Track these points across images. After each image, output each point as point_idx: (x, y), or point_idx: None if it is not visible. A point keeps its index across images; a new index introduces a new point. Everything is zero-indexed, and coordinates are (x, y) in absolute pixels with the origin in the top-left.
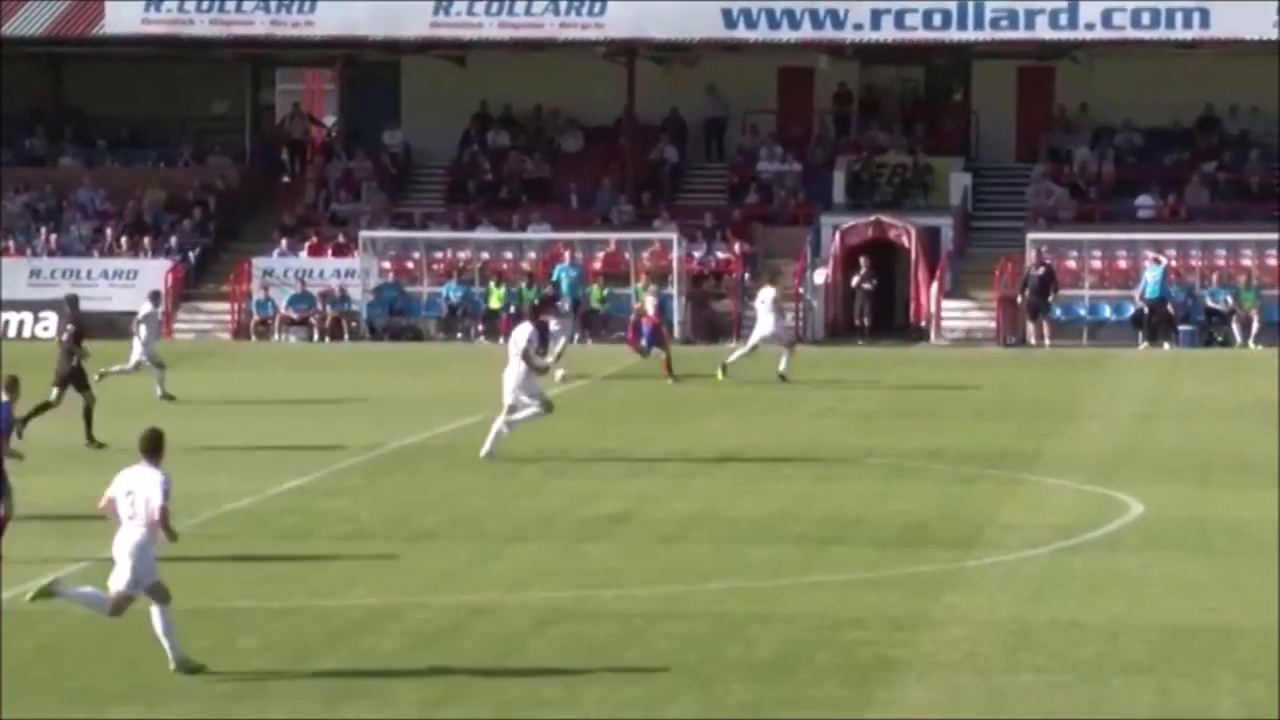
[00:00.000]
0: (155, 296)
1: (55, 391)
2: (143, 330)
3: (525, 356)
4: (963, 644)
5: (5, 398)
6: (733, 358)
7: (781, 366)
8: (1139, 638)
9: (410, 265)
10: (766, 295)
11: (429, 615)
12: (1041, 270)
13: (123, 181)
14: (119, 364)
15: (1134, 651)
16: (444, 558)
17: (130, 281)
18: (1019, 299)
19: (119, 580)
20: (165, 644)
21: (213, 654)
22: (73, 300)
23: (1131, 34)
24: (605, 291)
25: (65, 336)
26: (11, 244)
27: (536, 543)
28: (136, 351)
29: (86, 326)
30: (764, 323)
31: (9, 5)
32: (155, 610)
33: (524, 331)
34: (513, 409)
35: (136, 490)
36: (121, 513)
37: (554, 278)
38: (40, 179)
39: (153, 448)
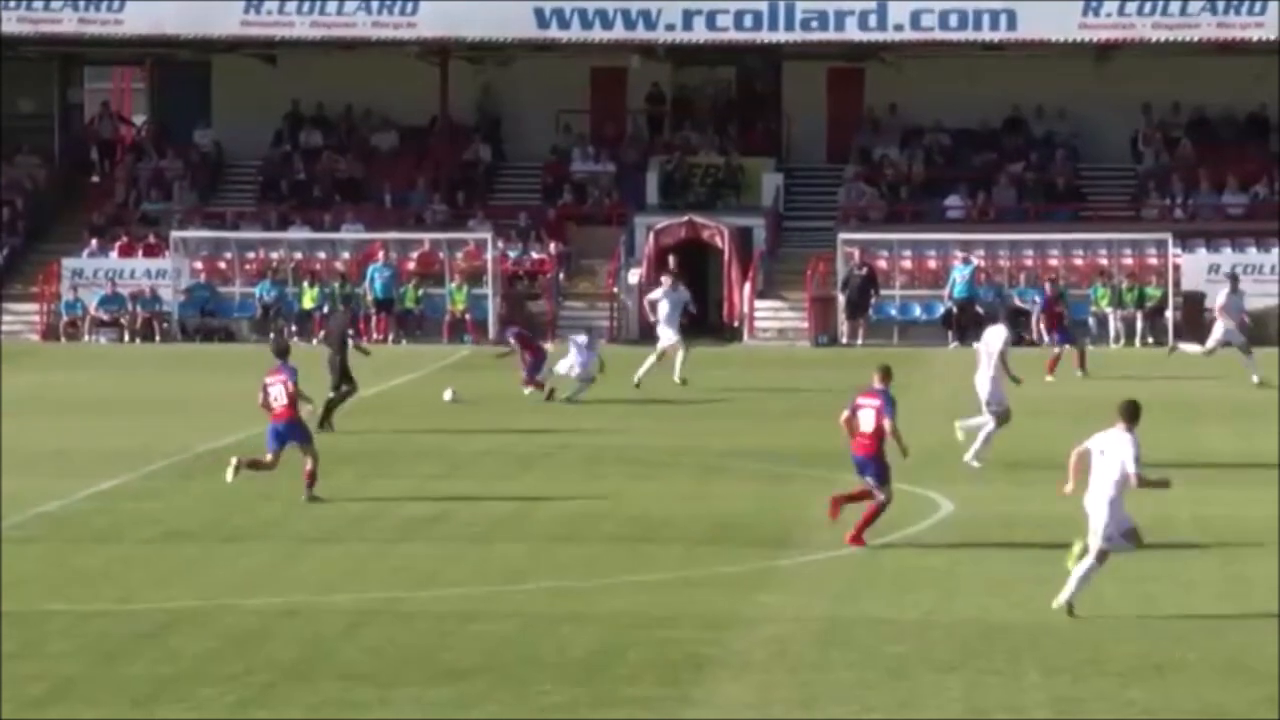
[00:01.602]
0: None
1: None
2: None
3: (1003, 358)
4: (775, 642)
5: None
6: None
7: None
8: (948, 634)
9: (222, 265)
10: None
11: (239, 617)
12: (864, 270)
13: None
14: None
15: (944, 648)
16: (255, 559)
17: None
18: (839, 298)
19: None
20: None
21: (21, 658)
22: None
23: (939, 35)
24: (420, 292)
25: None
26: None
27: (349, 544)
28: None
29: None
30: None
31: None
32: None
33: (999, 334)
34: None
35: None
36: None
37: (368, 278)
38: None
39: None
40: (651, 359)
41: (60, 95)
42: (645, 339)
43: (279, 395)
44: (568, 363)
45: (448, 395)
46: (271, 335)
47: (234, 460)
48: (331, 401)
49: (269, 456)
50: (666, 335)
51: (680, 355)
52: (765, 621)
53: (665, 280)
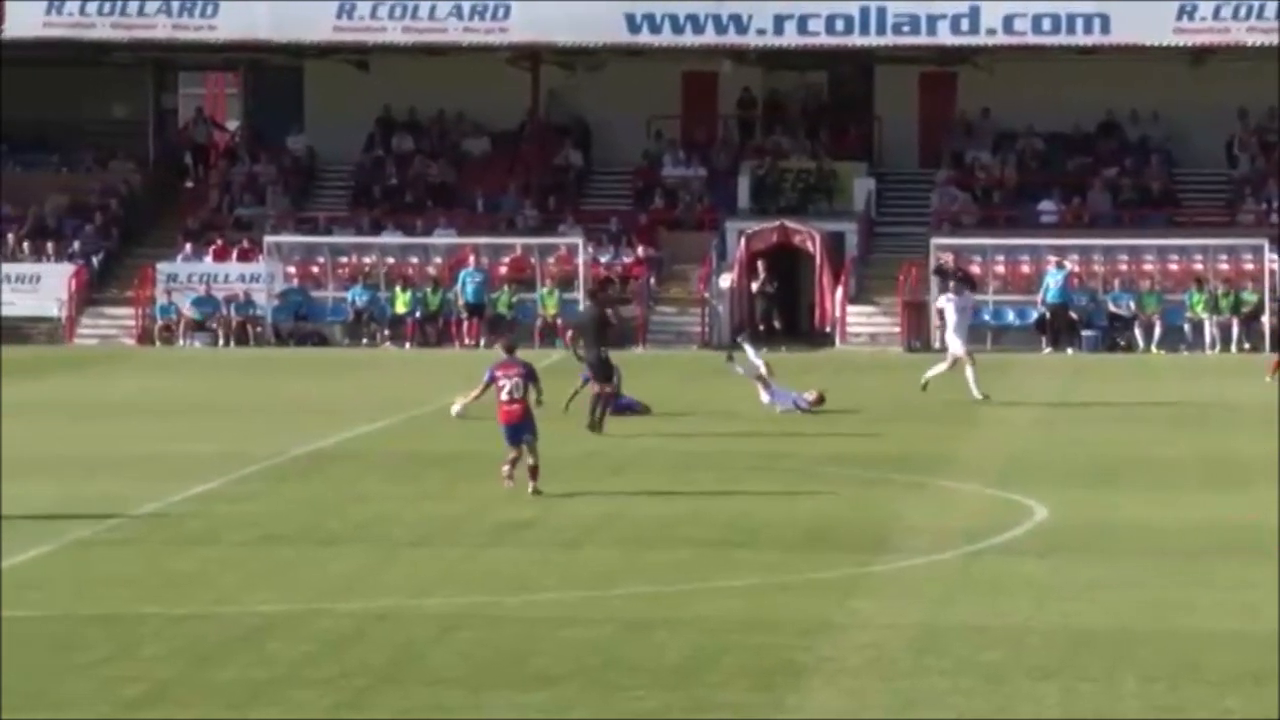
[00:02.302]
0: None
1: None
2: None
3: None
4: (868, 648)
5: None
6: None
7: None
8: (1044, 640)
9: (315, 270)
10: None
11: (333, 621)
12: (958, 275)
13: (25, 186)
14: None
15: (1039, 655)
16: (348, 563)
17: (33, 287)
18: (931, 303)
19: None
20: None
21: (116, 660)
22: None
23: (1032, 39)
24: (513, 298)
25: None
26: None
27: (440, 548)
28: None
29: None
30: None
31: None
32: None
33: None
34: None
35: None
36: None
37: (459, 282)
38: None
39: None
40: (942, 366)
41: (154, 101)
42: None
43: (514, 390)
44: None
45: (455, 409)
46: (501, 334)
47: (506, 470)
48: (597, 398)
49: (511, 453)
50: (955, 344)
51: (970, 370)
52: (858, 627)
53: (951, 286)
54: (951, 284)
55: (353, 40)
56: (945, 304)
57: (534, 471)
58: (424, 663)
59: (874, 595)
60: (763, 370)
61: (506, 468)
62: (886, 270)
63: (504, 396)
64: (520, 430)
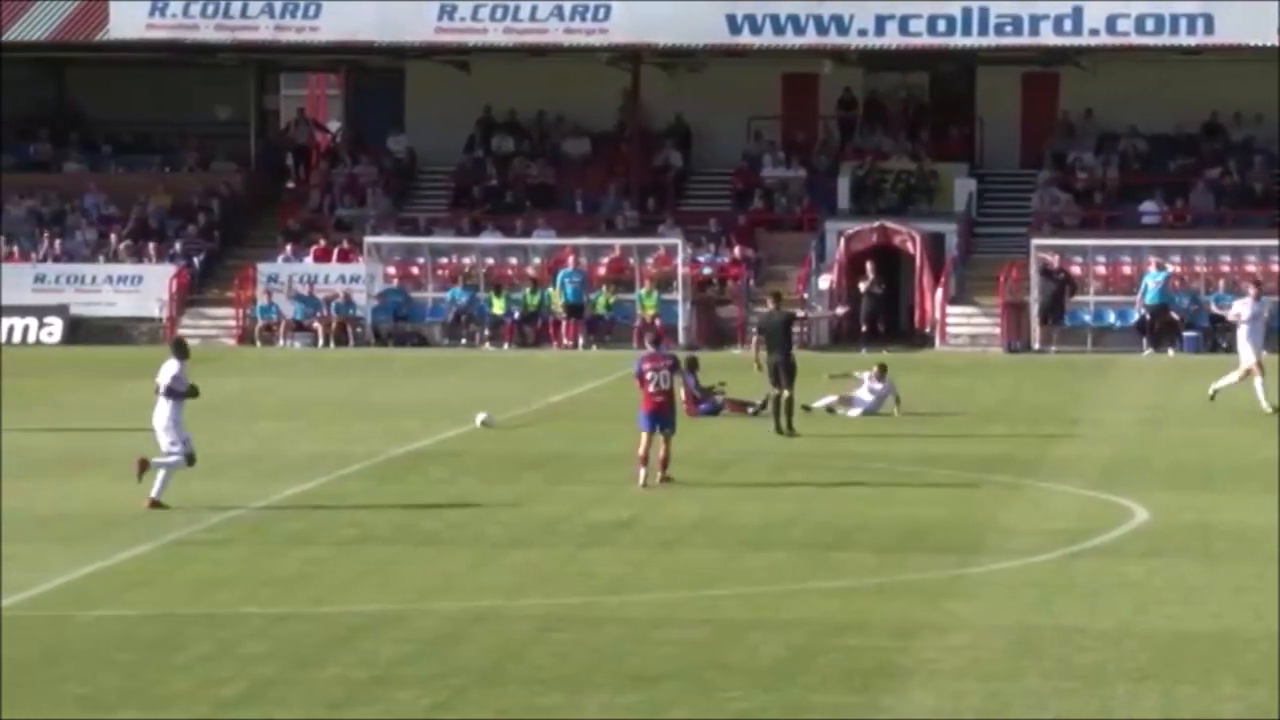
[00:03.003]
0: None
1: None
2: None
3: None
4: (965, 650)
5: None
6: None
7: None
8: (1143, 644)
9: (415, 270)
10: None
11: (431, 621)
12: (1061, 276)
13: (127, 187)
14: None
15: (1138, 657)
16: (447, 563)
17: (135, 287)
18: (1034, 303)
19: None
20: None
21: (216, 659)
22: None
23: (1135, 40)
24: (612, 298)
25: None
26: (15, 250)
27: (538, 549)
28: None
29: (89, 332)
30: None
31: (11, 9)
32: None
33: None
34: None
35: None
36: None
37: (558, 283)
38: (44, 184)
39: None
40: (1233, 375)
41: (256, 102)
42: (836, 344)
43: (661, 382)
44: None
45: (480, 419)
46: (648, 333)
47: (641, 455)
48: (779, 401)
49: (645, 442)
50: (1246, 353)
51: (1259, 381)
52: (955, 629)
53: (1250, 290)
54: (1251, 289)
55: (454, 41)
56: (1242, 308)
57: (665, 462)
58: (522, 663)
59: (971, 597)
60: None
61: (641, 452)
62: (987, 271)
63: (651, 388)
64: (663, 421)
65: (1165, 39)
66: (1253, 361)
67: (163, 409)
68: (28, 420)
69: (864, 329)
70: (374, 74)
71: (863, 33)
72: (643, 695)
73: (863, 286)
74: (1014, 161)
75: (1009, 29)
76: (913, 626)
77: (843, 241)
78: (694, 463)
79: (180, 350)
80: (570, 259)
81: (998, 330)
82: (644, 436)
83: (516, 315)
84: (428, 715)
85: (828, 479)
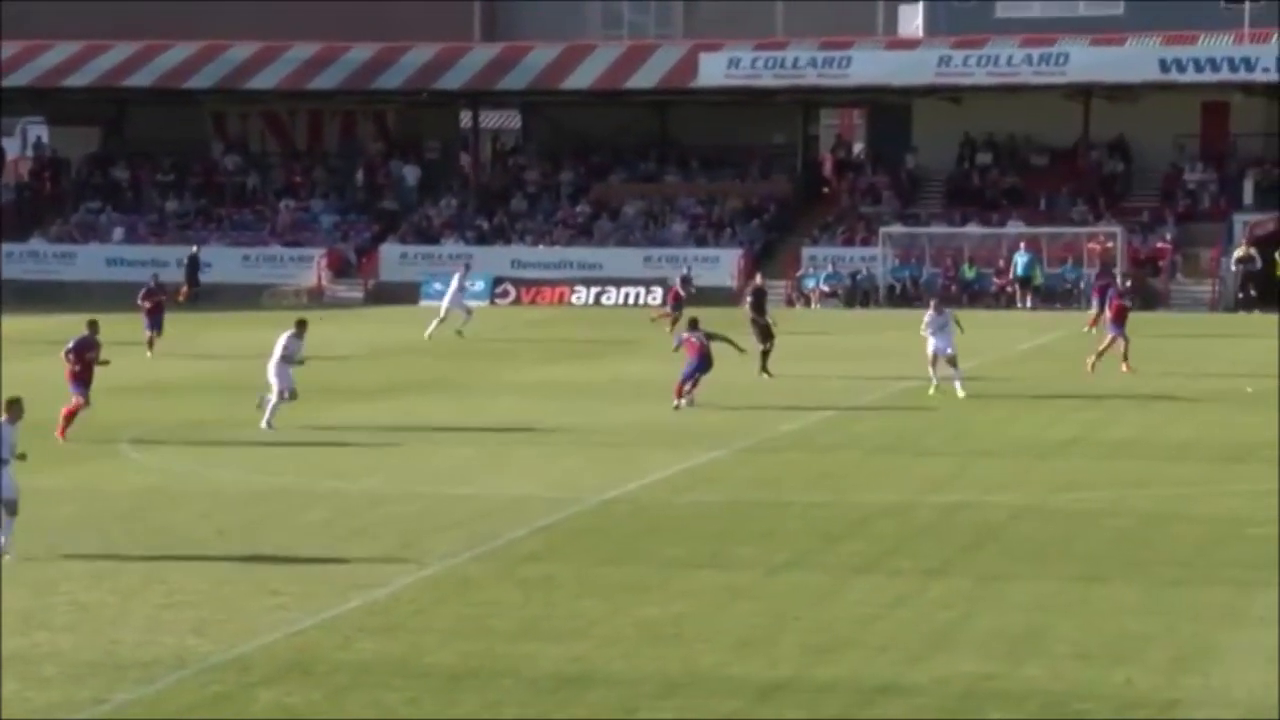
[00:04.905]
0: (300, 326)
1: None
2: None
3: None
4: None
5: None
6: None
7: None
8: None
9: (915, 254)
10: None
11: (925, 512)
12: None
13: (709, 192)
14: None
15: None
16: (937, 468)
17: (714, 265)
18: None
19: None
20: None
21: (770, 537)
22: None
23: None
24: (1062, 271)
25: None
26: (628, 238)
27: (1010, 458)
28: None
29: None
30: None
31: (627, 66)
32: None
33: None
34: None
35: None
36: None
37: (1013, 262)
38: (650, 191)
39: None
40: None
41: (803, 130)
42: (1238, 308)
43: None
44: None
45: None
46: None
47: None
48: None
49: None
50: None
51: None
52: None
53: None
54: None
55: (948, 83)
56: None
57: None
58: (996, 543)
59: None
60: None
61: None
62: None
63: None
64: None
65: None
66: None
67: None
68: (636, 358)
69: (1240, 296)
70: (888, 108)
71: (1266, 70)
72: (1084, 567)
73: (1238, 254)
74: None
75: None
76: None
77: (1248, 229)
78: (1127, 395)
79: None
80: (1023, 244)
81: None
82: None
83: (994, 286)
84: (924, 576)
85: (1230, 409)
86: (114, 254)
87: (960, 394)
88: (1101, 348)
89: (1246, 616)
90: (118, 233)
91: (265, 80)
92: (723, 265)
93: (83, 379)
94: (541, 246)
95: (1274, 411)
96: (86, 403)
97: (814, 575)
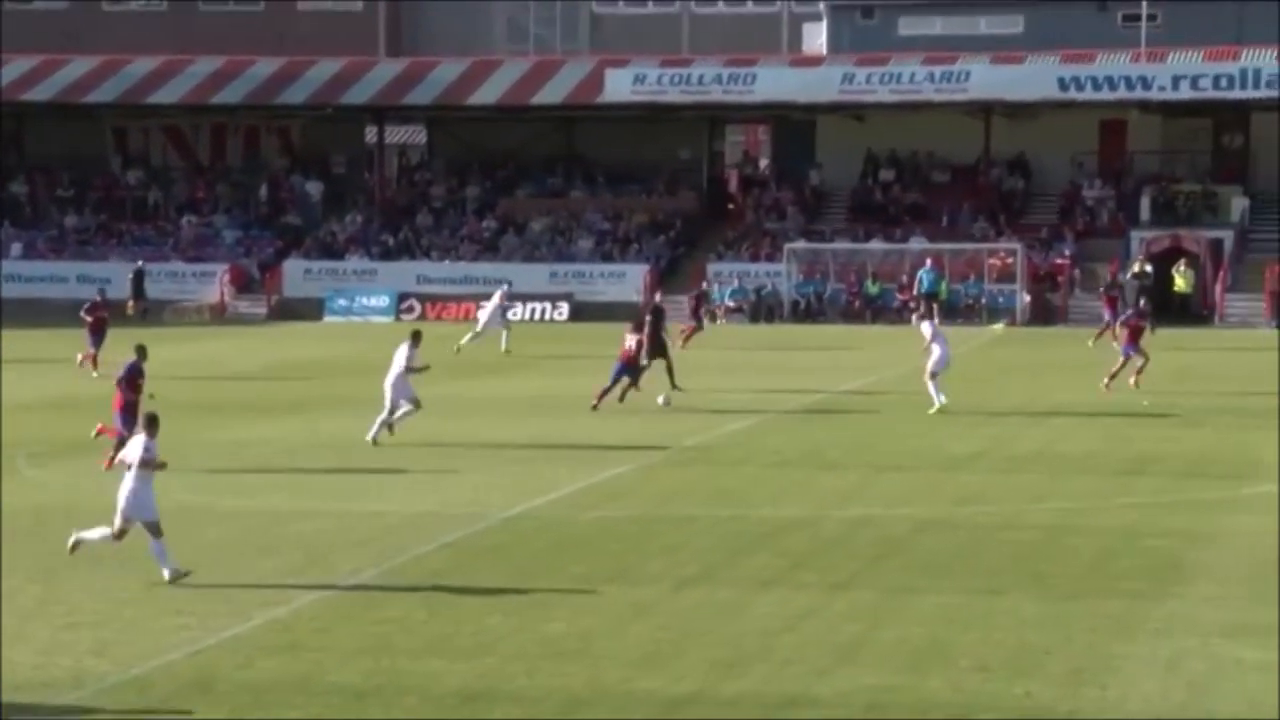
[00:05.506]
0: (415, 337)
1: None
2: (489, 306)
3: None
4: (1238, 552)
5: None
6: None
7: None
8: None
9: (820, 269)
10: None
11: (830, 525)
12: None
13: (616, 207)
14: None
15: None
16: (841, 481)
17: (620, 281)
18: None
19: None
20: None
21: (679, 550)
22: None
23: None
24: (963, 287)
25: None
26: (536, 253)
27: (913, 473)
28: (480, 322)
29: (587, 313)
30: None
31: (535, 80)
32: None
33: None
34: None
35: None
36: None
37: (918, 277)
38: (557, 206)
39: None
40: None
41: (708, 146)
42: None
43: None
44: None
45: (661, 400)
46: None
47: None
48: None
49: None
50: None
51: None
52: (1229, 536)
53: None
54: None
55: (852, 100)
56: None
57: None
58: (900, 556)
59: (1242, 513)
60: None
61: None
62: (1256, 268)
63: None
64: None
65: None
66: None
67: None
68: (535, 375)
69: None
70: (794, 124)
71: (1162, 89)
72: (987, 581)
73: (1135, 270)
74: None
75: (1276, 84)
76: (1196, 534)
77: (1144, 245)
78: (1028, 414)
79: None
80: (928, 260)
81: (1263, 312)
82: None
83: (897, 302)
84: (829, 590)
85: (1129, 423)
86: (11, 270)
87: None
88: (1115, 369)
89: (1143, 628)
90: (15, 249)
91: (168, 95)
92: (629, 281)
93: (132, 411)
94: (447, 262)
95: (1169, 425)
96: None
97: (720, 590)
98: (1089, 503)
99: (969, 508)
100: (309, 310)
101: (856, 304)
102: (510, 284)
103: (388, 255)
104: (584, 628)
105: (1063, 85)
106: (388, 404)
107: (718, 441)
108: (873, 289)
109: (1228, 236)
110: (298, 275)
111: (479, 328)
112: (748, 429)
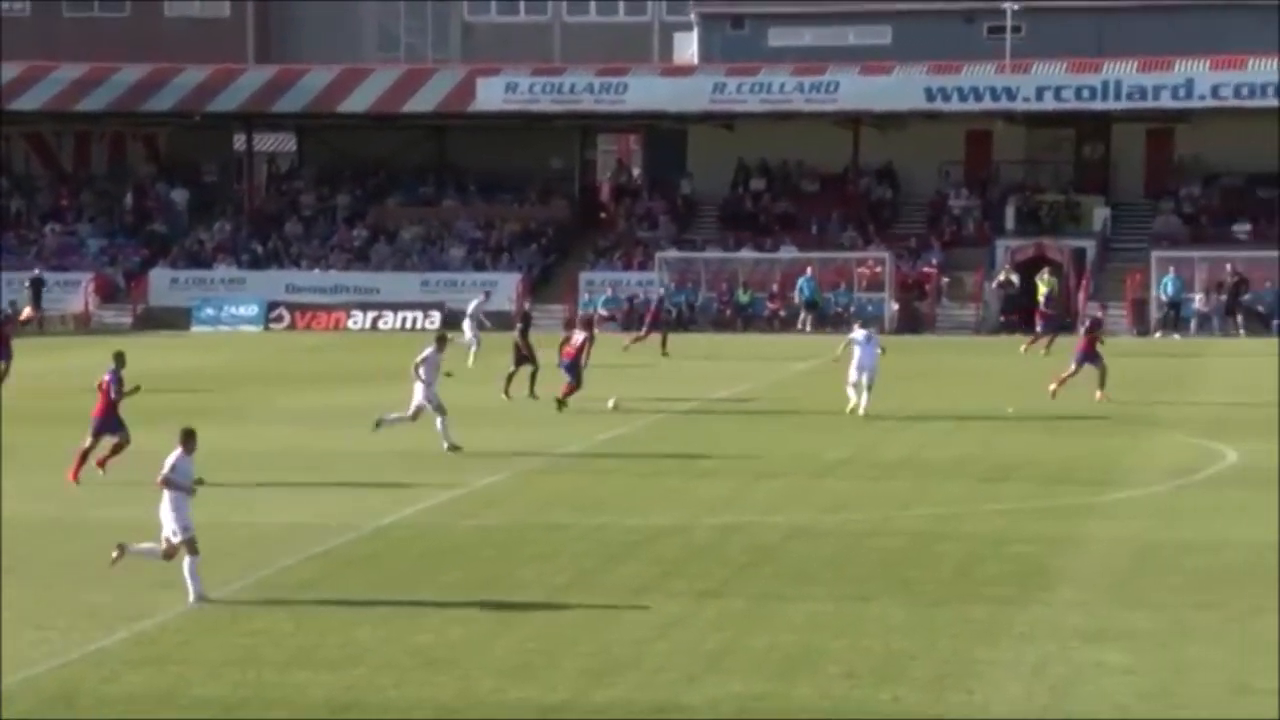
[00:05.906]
0: (441, 341)
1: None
2: (422, 372)
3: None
4: (1101, 557)
5: None
6: None
7: None
8: (1242, 552)
9: (692, 277)
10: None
11: (703, 532)
12: (1236, 279)
13: (488, 216)
14: (396, 413)
15: (1237, 563)
16: (716, 489)
17: (492, 290)
18: (1219, 299)
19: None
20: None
21: (551, 557)
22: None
23: (1233, 102)
24: (833, 295)
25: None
26: (407, 262)
27: (787, 479)
28: (418, 396)
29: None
30: None
31: (406, 88)
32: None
33: None
34: None
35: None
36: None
37: (798, 287)
38: (429, 215)
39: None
40: None
41: (580, 155)
42: (1001, 330)
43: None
44: None
45: (610, 404)
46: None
47: None
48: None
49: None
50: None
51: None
52: (1092, 541)
53: None
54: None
55: (723, 110)
56: None
57: None
58: (771, 563)
59: (1105, 518)
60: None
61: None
62: (1117, 276)
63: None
64: None
65: (1256, 101)
66: None
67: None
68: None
69: (1005, 318)
70: (665, 134)
71: (1026, 100)
72: (856, 589)
73: (1000, 278)
74: (1139, 194)
75: (1137, 96)
76: (1061, 539)
77: (1009, 254)
78: (891, 420)
79: (441, 341)
80: (808, 269)
81: (1124, 320)
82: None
83: (767, 310)
84: (700, 597)
85: (999, 429)
86: None
87: (862, 413)
88: (1064, 375)
89: (1008, 633)
90: None
91: (30, 102)
92: (501, 289)
93: (115, 415)
94: (317, 270)
95: (1034, 433)
96: (128, 440)
97: (593, 597)
98: (956, 509)
99: (838, 515)
100: (176, 320)
101: (728, 312)
102: (488, 294)
103: (257, 264)
104: (454, 637)
105: (930, 96)
106: (432, 408)
107: (592, 449)
108: (744, 298)
109: (1090, 245)
110: (164, 284)
111: (467, 338)
112: (624, 436)
